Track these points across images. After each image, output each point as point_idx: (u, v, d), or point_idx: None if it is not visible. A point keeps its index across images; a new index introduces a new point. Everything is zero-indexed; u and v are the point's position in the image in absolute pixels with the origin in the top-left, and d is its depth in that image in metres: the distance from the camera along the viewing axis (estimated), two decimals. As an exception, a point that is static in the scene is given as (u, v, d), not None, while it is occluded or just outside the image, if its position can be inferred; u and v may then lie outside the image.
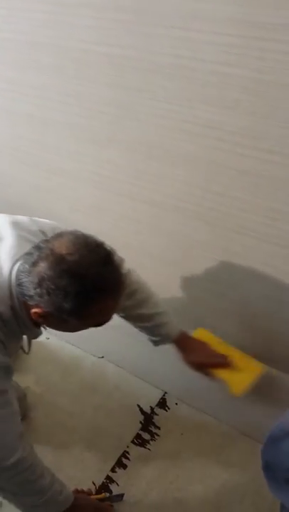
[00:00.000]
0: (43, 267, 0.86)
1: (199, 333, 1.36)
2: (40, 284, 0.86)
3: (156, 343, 1.30)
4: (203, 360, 1.28)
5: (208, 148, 1.12)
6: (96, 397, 1.54)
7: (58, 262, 0.85)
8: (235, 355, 1.33)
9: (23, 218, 1.12)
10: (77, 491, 1.24)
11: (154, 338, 1.29)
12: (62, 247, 0.87)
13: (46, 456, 1.22)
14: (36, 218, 1.12)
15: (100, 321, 0.96)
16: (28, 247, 0.95)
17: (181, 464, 1.36)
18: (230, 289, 1.36)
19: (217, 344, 1.35)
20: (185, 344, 1.30)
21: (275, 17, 0.87)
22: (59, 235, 0.91)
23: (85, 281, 0.85)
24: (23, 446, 1.00)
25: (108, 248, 0.92)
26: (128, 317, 1.27)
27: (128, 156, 1.28)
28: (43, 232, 1.08)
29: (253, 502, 1.24)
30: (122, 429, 1.45)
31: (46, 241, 0.91)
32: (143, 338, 1.56)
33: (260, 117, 1.01)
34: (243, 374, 1.27)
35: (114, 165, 1.33)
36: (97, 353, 1.64)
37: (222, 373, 1.27)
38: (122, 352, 1.69)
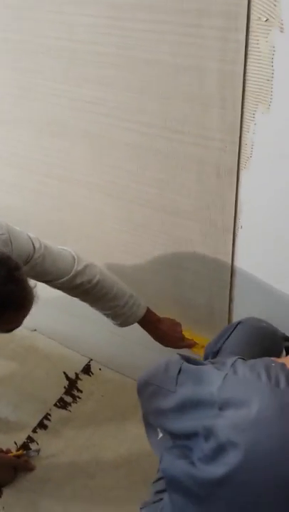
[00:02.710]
0: None
1: None
2: None
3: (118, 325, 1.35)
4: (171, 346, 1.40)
5: (97, 123, 1.20)
6: (25, 366, 1.63)
7: None
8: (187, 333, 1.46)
9: None
10: None
11: (113, 322, 1.35)
12: None
13: None
14: None
15: (7, 329, 0.99)
16: None
17: (98, 422, 1.46)
18: (141, 259, 1.44)
19: None
20: (150, 329, 1.37)
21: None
22: None
23: None
24: None
25: (12, 264, 0.93)
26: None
27: (34, 135, 1.36)
28: None
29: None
30: (47, 394, 1.54)
31: None
32: (73, 311, 1.65)
33: (134, 93, 1.09)
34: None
35: (24, 144, 1.41)
36: (29, 327, 1.73)
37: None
38: (53, 324, 1.77)
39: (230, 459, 0.68)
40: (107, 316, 1.33)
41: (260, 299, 1.27)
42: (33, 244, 1.15)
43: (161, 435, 0.92)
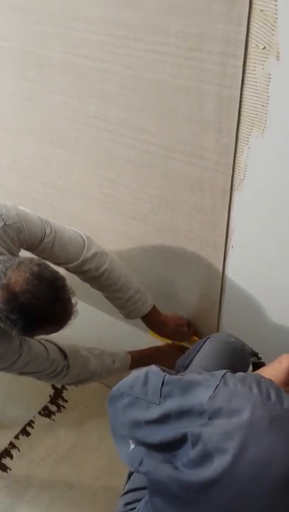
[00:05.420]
0: None
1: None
2: None
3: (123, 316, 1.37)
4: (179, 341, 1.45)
5: (99, 138, 1.23)
6: (13, 372, 1.63)
7: (11, 298, 0.96)
8: None
9: None
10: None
11: (119, 311, 1.36)
12: (16, 284, 0.97)
13: None
14: None
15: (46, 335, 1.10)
16: None
17: (80, 433, 1.46)
18: (134, 272, 1.45)
19: None
20: (154, 328, 1.39)
21: (134, 18, 0.98)
22: (18, 266, 1.00)
23: (31, 319, 0.98)
24: (51, 361, 1.23)
25: (59, 284, 1.01)
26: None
27: (37, 144, 1.39)
28: None
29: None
30: (32, 401, 1.55)
31: (6, 268, 1.00)
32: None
33: (135, 110, 1.12)
34: None
35: (25, 152, 1.44)
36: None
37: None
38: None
39: (218, 464, 0.69)
40: (114, 305, 1.35)
41: (248, 317, 1.28)
42: (44, 228, 1.18)
43: (133, 446, 0.92)
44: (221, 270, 1.23)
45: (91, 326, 1.61)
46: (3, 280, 0.98)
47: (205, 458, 0.71)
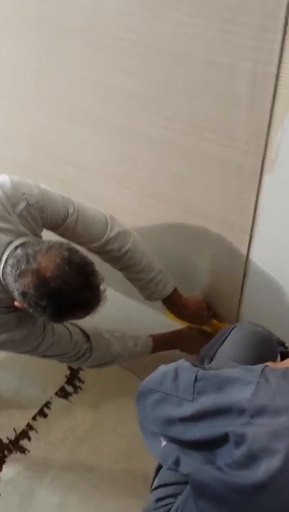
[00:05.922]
0: (27, 282, 0.94)
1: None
2: (23, 295, 0.96)
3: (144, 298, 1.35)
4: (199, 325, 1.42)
5: (119, 113, 1.17)
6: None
7: (42, 284, 0.94)
8: None
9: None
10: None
11: (140, 293, 1.34)
12: (47, 269, 0.94)
13: None
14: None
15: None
16: None
17: (98, 415, 1.45)
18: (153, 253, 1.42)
19: None
20: (174, 311, 1.36)
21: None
22: (48, 250, 0.97)
23: (61, 305, 0.96)
24: (74, 344, 1.20)
25: (90, 270, 0.99)
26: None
27: (52, 118, 1.32)
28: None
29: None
30: (48, 381, 1.54)
31: (35, 252, 0.97)
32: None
33: (160, 85, 1.05)
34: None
35: (41, 126, 1.37)
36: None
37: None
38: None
39: (267, 466, 0.67)
40: (135, 286, 1.32)
41: (270, 301, 1.25)
42: (67, 208, 1.14)
43: (164, 443, 0.90)
44: (246, 254, 1.19)
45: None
46: (32, 265, 0.95)
47: (251, 459, 0.69)
